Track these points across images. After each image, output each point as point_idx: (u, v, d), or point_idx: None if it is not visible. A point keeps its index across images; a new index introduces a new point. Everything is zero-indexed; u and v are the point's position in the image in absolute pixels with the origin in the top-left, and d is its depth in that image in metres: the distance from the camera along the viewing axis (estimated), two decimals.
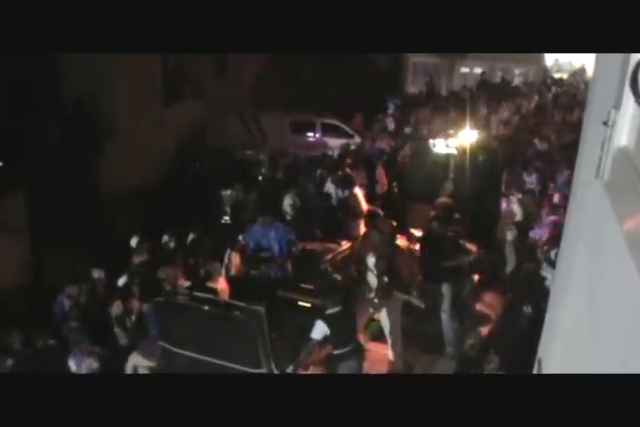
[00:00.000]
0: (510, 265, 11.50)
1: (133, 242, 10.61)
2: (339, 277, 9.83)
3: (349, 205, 12.68)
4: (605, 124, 2.48)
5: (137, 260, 10.23)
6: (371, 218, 10.55)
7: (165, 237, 11.00)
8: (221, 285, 8.90)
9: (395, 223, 11.20)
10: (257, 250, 10.36)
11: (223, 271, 9.75)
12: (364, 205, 12.71)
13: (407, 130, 19.80)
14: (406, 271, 9.53)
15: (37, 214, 12.13)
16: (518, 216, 11.73)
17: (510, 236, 11.65)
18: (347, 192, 12.97)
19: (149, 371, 8.09)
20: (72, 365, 7.31)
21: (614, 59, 2.51)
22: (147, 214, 13.28)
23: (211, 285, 8.91)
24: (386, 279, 9.19)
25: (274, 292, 8.77)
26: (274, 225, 10.68)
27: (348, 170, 14.19)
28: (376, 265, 9.27)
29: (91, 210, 13.06)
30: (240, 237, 10.85)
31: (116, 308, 8.96)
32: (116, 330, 8.97)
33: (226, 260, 9.94)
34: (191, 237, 11.26)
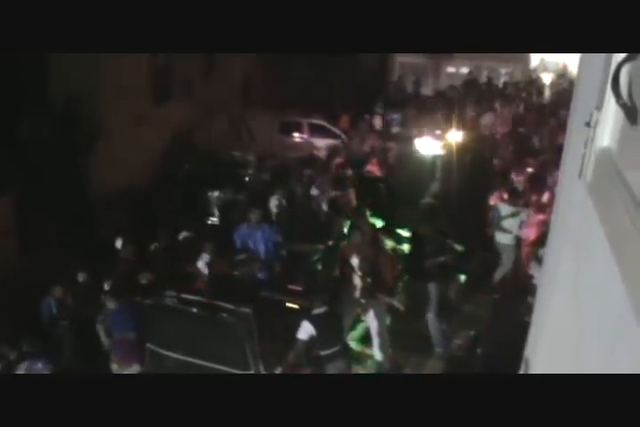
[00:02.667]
0: (506, 267, 11.48)
1: (118, 244, 10.57)
2: (325, 278, 9.83)
3: (339, 205, 12.66)
4: (588, 124, 2.50)
5: (122, 261, 10.21)
6: (354, 218, 10.57)
7: (152, 239, 10.97)
8: (201, 286, 8.91)
9: (380, 224, 11.21)
10: (241, 250, 10.36)
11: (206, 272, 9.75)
12: (353, 203, 12.71)
13: (394, 130, 19.80)
14: (390, 273, 9.54)
15: (25, 216, 12.09)
16: (505, 217, 11.70)
17: (502, 237, 11.63)
18: (339, 193, 12.93)
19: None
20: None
21: (597, 60, 2.53)
22: (134, 215, 13.24)
23: (196, 286, 8.90)
24: (369, 280, 9.20)
25: (261, 293, 8.76)
26: (260, 226, 10.68)
27: (340, 170, 14.20)
28: (360, 266, 9.29)
29: (78, 211, 13.01)
30: (224, 238, 10.86)
31: (101, 309, 8.94)
32: (100, 332, 8.94)
33: (207, 260, 9.94)
34: (178, 238, 11.24)
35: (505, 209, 11.54)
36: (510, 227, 11.47)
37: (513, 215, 11.40)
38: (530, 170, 13.85)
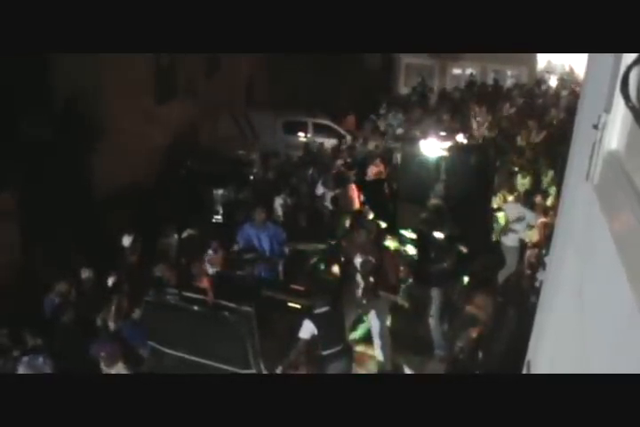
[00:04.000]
0: (509, 269, 11.47)
1: (126, 241, 10.56)
2: (327, 278, 9.83)
3: (342, 203, 12.66)
4: (596, 127, 2.48)
5: (129, 259, 10.21)
6: (358, 217, 10.56)
7: (157, 237, 10.98)
8: (206, 284, 8.88)
9: (384, 224, 11.20)
10: (245, 250, 10.35)
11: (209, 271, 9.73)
12: (357, 204, 12.69)
13: (399, 131, 19.80)
14: (393, 273, 9.53)
15: (28, 212, 12.10)
16: (511, 219, 11.69)
17: (507, 239, 11.62)
18: (340, 190, 12.92)
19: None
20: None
21: (605, 62, 2.51)
22: (138, 213, 13.25)
23: (199, 285, 8.89)
24: (372, 280, 9.19)
25: (264, 292, 8.75)
26: (266, 226, 10.67)
27: (342, 169, 14.22)
28: (361, 266, 9.28)
29: (82, 209, 13.01)
30: (227, 237, 10.85)
31: (105, 307, 8.92)
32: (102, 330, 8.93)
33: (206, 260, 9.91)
34: (182, 236, 11.24)
35: (511, 211, 11.55)
36: (515, 228, 11.47)
37: (519, 218, 11.41)
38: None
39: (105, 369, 7.89)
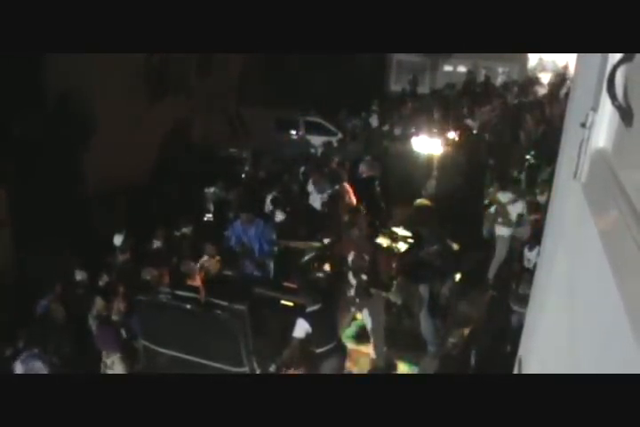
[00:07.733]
0: (500, 258, 11.56)
1: (117, 240, 10.55)
2: (320, 275, 9.86)
3: (336, 202, 12.64)
4: (583, 125, 2.50)
5: (120, 258, 10.20)
6: (352, 215, 10.57)
7: (148, 236, 10.96)
8: (199, 283, 8.88)
9: (377, 222, 11.23)
10: (236, 247, 10.35)
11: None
12: (354, 201, 12.69)
13: (389, 128, 19.80)
14: (385, 270, 9.55)
15: (20, 212, 12.07)
16: (504, 214, 11.74)
17: (501, 230, 11.69)
18: (335, 189, 12.91)
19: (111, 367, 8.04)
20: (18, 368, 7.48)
21: (593, 61, 2.53)
22: (130, 212, 13.24)
23: (192, 283, 8.89)
24: (364, 277, 9.22)
25: (256, 290, 8.77)
26: (254, 223, 10.66)
27: (334, 166, 14.20)
28: (353, 263, 9.30)
29: (73, 208, 12.99)
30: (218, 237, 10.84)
31: (97, 307, 8.92)
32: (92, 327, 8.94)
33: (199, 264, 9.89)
34: (174, 234, 11.23)
35: (504, 197, 11.61)
36: (510, 218, 11.54)
37: (514, 202, 11.49)
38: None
39: (102, 358, 7.99)
